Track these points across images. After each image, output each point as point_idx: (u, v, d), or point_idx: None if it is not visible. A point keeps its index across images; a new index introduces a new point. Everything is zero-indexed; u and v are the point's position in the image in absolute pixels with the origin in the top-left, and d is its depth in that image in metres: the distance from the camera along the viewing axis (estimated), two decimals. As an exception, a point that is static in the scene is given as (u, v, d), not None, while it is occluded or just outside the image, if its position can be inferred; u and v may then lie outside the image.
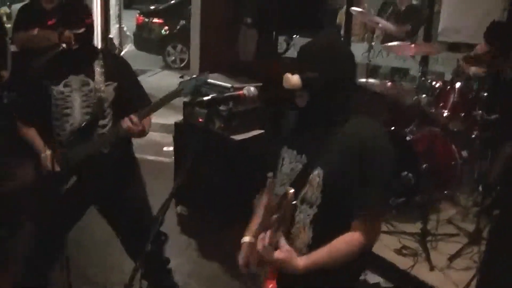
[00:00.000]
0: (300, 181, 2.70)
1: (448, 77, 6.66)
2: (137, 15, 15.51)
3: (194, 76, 3.65)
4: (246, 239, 2.89)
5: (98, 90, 3.84)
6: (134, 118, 3.70)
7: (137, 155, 6.31)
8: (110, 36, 7.97)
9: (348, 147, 2.60)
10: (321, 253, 2.58)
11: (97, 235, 5.14)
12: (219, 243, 5.15)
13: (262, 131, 5.49)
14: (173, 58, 14.60)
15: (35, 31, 6.25)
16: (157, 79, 13.13)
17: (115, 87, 3.91)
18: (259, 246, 2.56)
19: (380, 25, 6.44)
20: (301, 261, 2.54)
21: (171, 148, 6.77)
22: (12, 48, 6.70)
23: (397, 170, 5.19)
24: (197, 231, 5.49)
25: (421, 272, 4.73)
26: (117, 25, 8.73)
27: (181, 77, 3.66)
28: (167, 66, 14.51)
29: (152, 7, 16.44)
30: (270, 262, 2.55)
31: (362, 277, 3.01)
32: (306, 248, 2.67)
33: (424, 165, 5.21)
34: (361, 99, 6.31)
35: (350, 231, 2.62)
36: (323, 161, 2.65)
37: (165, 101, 3.76)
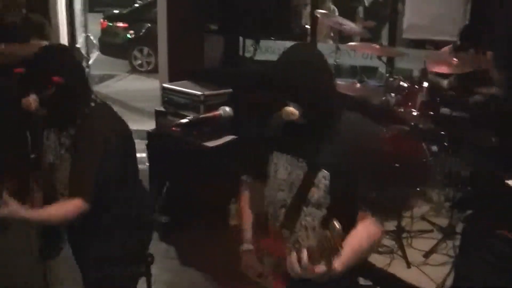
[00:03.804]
0: (304, 185, 2.71)
1: (416, 73, 6.79)
2: (101, 20, 15.49)
3: None
4: (245, 246, 2.93)
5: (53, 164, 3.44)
6: None
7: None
8: (77, 45, 7.91)
9: (347, 147, 2.65)
10: (350, 253, 2.48)
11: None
12: (198, 250, 5.18)
13: (235, 136, 5.53)
14: (140, 61, 14.58)
15: (2, 46, 6.20)
16: (125, 84, 13.15)
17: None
18: (293, 265, 2.45)
19: (344, 26, 6.48)
20: (339, 267, 2.44)
21: (144, 155, 6.76)
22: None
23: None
24: (175, 238, 5.49)
25: (398, 269, 4.82)
26: (84, 34, 8.66)
27: None
28: (134, 70, 14.49)
29: (115, 11, 16.36)
30: (309, 277, 2.46)
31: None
32: None
33: (396, 164, 5.29)
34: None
35: (362, 225, 2.62)
36: (326, 163, 2.67)
37: None
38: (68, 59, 3.34)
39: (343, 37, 7.95)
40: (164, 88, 5.94)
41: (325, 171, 2.67)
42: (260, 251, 2.83)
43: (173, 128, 5.10)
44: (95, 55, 13.98)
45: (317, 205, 2.70)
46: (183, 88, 5.73)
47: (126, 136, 3.47)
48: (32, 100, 3.20)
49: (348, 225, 2.58)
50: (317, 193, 2.69)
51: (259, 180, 2.99)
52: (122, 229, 3.47)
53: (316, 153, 2.70)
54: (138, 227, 3.57)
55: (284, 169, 2.81)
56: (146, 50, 14.44)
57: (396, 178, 5.30)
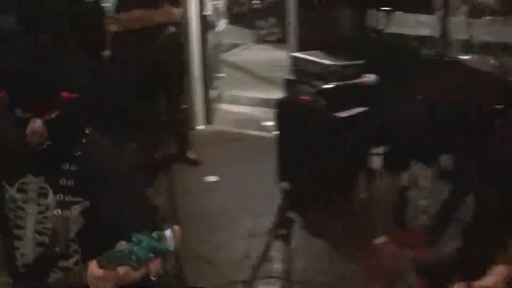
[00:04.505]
0: (448, 205, 2.50)
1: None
2: (228, -11, 15.75)
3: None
4: (381, 239, 2.82)
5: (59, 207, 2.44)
6: None
7: (238, 129, 6.33)
8: (207, 13, 8.03)
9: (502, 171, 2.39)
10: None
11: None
12: (325, 220, 5.19)
13: (366, 108, 5.50)
14: (265, 31, 14.67)
15: (138, 12, 6.41)
16: (251, 53, 13.36)
17: (84, 208, 2.46)
18: None
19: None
20: None
21: (272, 123, 6.85)
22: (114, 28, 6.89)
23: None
24: (302, 208, 5.50)
25: None
26: (212, 2, 8.79)
27: None
28: (259, 40, 14.63)
29: (242, -18, 16.60)
30: None
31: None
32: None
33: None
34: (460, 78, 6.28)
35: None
36: (474, 186, 2.43)
37: None
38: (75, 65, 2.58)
39: (476, 11, 7.71)
40: (294, 58, 5.95)
41: (473, 196, 2.44)
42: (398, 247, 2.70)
43: (303, 97, 5.16)
44: (223, 23, 14.23)
45: (461, 226, 2.50)
46: (314, 57, 5.72)
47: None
48: (39, 127, 2.31)
49: (487, 254, 2.48)
50: (462, 214, 2.49)
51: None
52: None
53: (464, 175, 2.46)
54: None
55: (424, 179, 2.59)
56: (271, 20, 14.51)
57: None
